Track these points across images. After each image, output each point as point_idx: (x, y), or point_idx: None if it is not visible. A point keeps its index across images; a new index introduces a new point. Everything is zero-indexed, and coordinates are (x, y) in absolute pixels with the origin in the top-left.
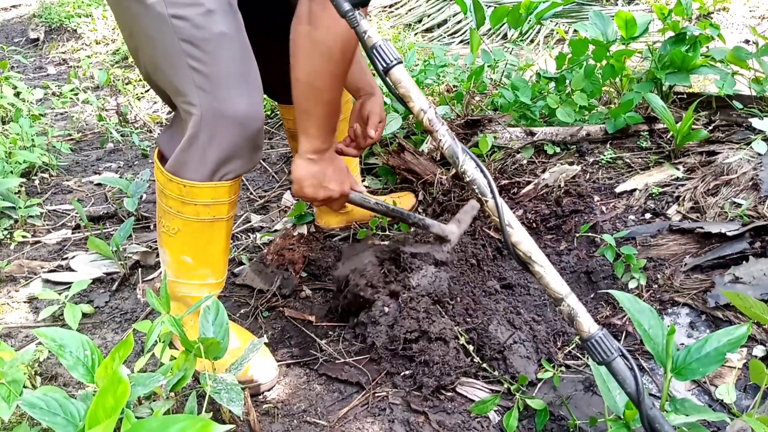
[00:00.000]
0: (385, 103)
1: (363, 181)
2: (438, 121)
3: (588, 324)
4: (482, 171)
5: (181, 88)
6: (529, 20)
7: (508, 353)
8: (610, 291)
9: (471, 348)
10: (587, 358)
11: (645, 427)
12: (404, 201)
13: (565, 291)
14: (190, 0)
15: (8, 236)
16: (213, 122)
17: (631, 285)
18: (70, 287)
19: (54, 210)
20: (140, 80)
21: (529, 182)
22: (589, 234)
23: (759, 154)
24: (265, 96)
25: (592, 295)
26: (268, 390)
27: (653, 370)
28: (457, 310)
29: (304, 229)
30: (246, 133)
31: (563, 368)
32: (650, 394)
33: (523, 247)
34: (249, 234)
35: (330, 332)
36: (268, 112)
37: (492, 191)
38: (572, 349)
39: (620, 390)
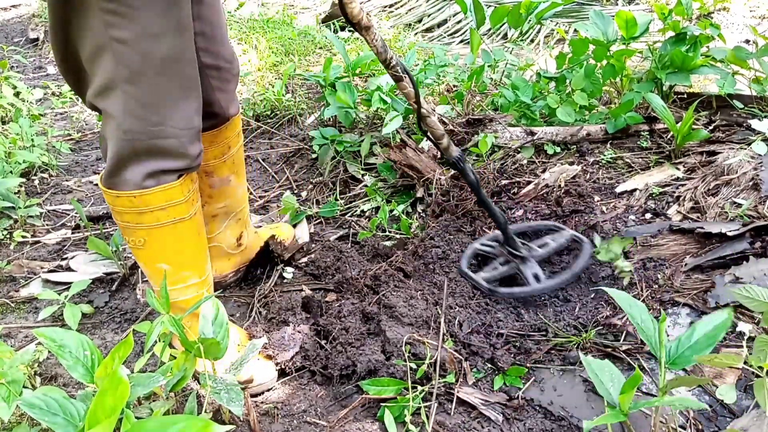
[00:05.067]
0: (385, 102)
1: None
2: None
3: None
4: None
5: (112, 110)
6: (530, 20)
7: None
8: (603, 288)
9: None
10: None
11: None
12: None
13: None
14: (129, 23)
15: (8, 236)
16: (145, 144)
17: (626, 282)
18: (69, 287)
19: (54, 210)
20: None
21: (529, 182)
22: (584, 235)
23: (759, 155)
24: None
25: (592, 295)
26: (268, 390)
27: (653, 371)
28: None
29: None
30: (178, 146)
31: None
32: (651, 395)
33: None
34: None
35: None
36: (267, 112)
37: (405, 70)
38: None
39: (614, 382)
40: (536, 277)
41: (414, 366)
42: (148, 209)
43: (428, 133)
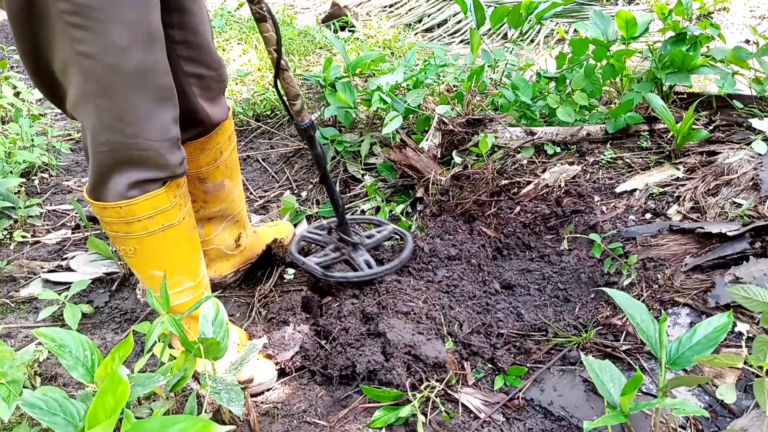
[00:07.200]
0: (385, 102)
1: (363, 176)
2: None
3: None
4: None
5: (88, 124)
6: (530, 20)
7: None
8: (603, 288)
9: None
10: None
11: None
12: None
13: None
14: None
15: (8, 236)
16: (124, 155)
17: (626, 282)
18: (69, 287)
19: (54, 210)
20: None
21: (529, 182)
22: (584, 235)
23: (759, 154)
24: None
25: (592, 295)
26: (268, 390)
27: (653, 371)
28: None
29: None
30: (157, 157)
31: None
32: (651, 395)
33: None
34: None
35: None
36: (268, 112)
37: (269, 12)
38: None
39: (614, 382)
40: (367, 264)
41: (414, 366)
42: (136, 219)
43: (281, 91)
